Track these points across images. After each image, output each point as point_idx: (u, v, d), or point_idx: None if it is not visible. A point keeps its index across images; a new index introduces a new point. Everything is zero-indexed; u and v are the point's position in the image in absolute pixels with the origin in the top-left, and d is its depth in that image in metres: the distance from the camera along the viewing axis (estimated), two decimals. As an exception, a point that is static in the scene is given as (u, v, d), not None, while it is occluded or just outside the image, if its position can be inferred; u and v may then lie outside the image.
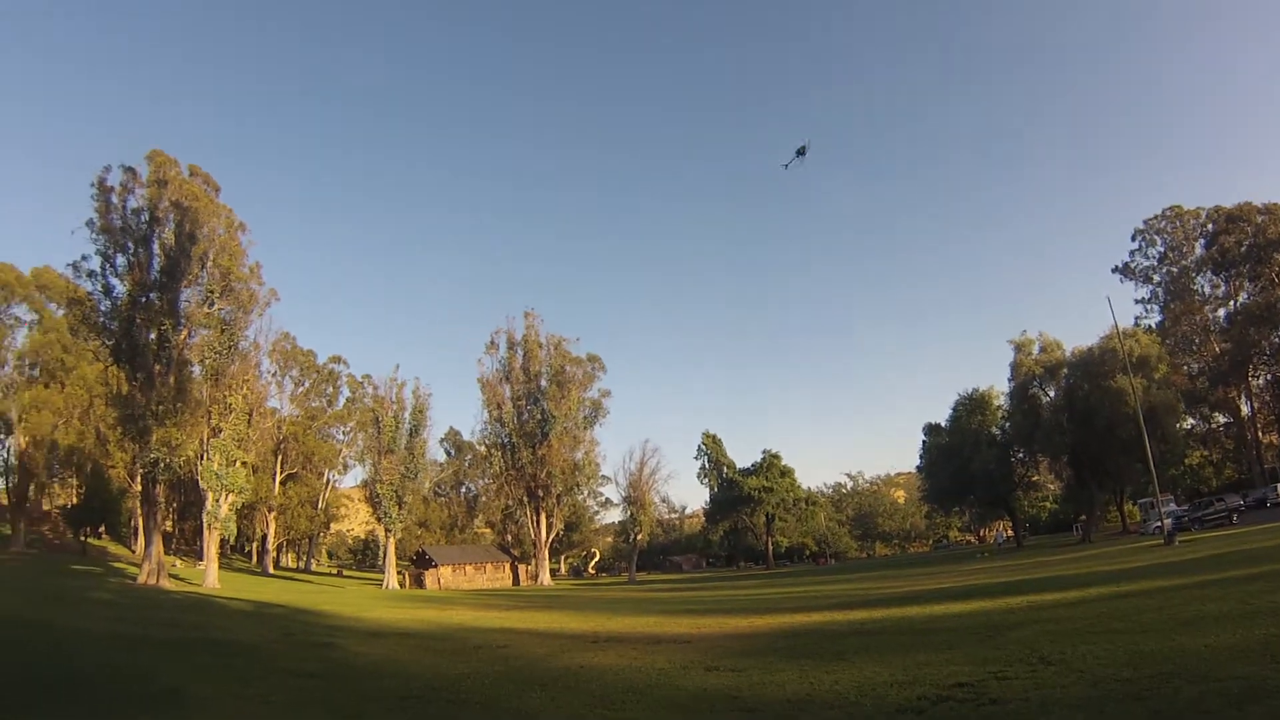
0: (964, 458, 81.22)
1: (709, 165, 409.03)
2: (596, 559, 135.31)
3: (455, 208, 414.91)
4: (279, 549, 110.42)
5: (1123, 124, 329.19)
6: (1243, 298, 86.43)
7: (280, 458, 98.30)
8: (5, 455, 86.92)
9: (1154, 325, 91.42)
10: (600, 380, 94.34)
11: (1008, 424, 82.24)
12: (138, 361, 52.26)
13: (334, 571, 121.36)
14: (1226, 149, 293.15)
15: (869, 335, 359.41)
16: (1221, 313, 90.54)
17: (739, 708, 10.56)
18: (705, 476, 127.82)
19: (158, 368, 52.41)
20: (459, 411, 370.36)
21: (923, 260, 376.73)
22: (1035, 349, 78.67)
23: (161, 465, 51.88)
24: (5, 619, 20.30)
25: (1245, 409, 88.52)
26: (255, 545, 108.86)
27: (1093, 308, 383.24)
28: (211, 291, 55.99)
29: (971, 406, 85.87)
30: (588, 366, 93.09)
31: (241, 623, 25.94)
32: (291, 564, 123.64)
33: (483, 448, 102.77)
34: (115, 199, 53.31)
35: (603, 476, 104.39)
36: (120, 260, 53.23)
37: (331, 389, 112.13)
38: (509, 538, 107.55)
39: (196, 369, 56.86)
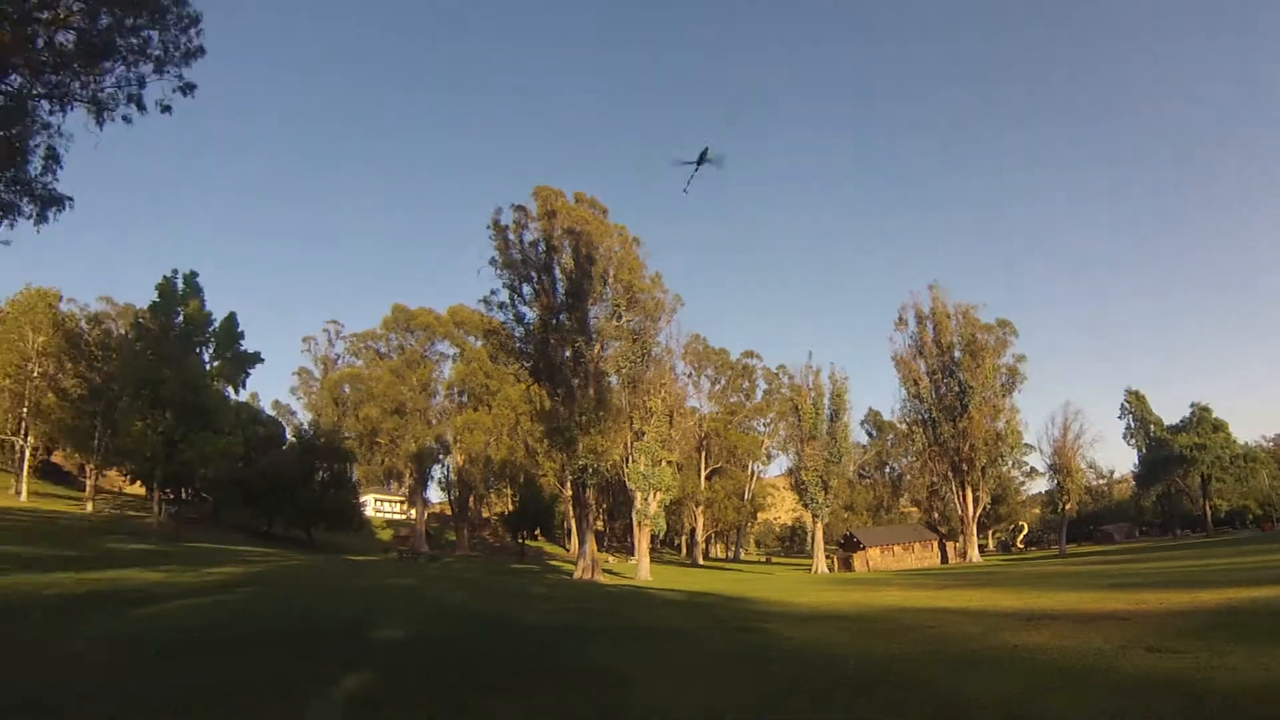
0: None
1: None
2: (1024, 532, 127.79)
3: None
4: (707, 540, 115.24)
5: None
6: None
7: (704, 454, 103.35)
8: (445, 472, 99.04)
9: None
10: (1013, 345, 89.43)
11: None
12: (556, 378, 55.67)
13: (762, 559, 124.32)
14: None
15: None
16: None
17: (1184, 694, 9.62)
18: (1131, 437, 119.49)
19: (576, 382, 55.09)
20: (878, 392, 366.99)
21: None
22: None
23: (589, 470, 54.52)
24: (472, 614, 21.27)
25: None
26: (684, 538, 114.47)
27: None
28: (618, 305, 57.97)
29: None
30: (998, 332, 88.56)
31: (674, 611, 25.92)
32: (720, 554, 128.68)
33: (903, 426, 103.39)
34: (512, 235, 57.73)
35: (1026, 445, 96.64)
36: (526, 289, 57.50)
37: (748, 383, 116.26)
38: (935, 515, 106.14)
39: (614, 379, 58.97)
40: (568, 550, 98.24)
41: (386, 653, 13.38)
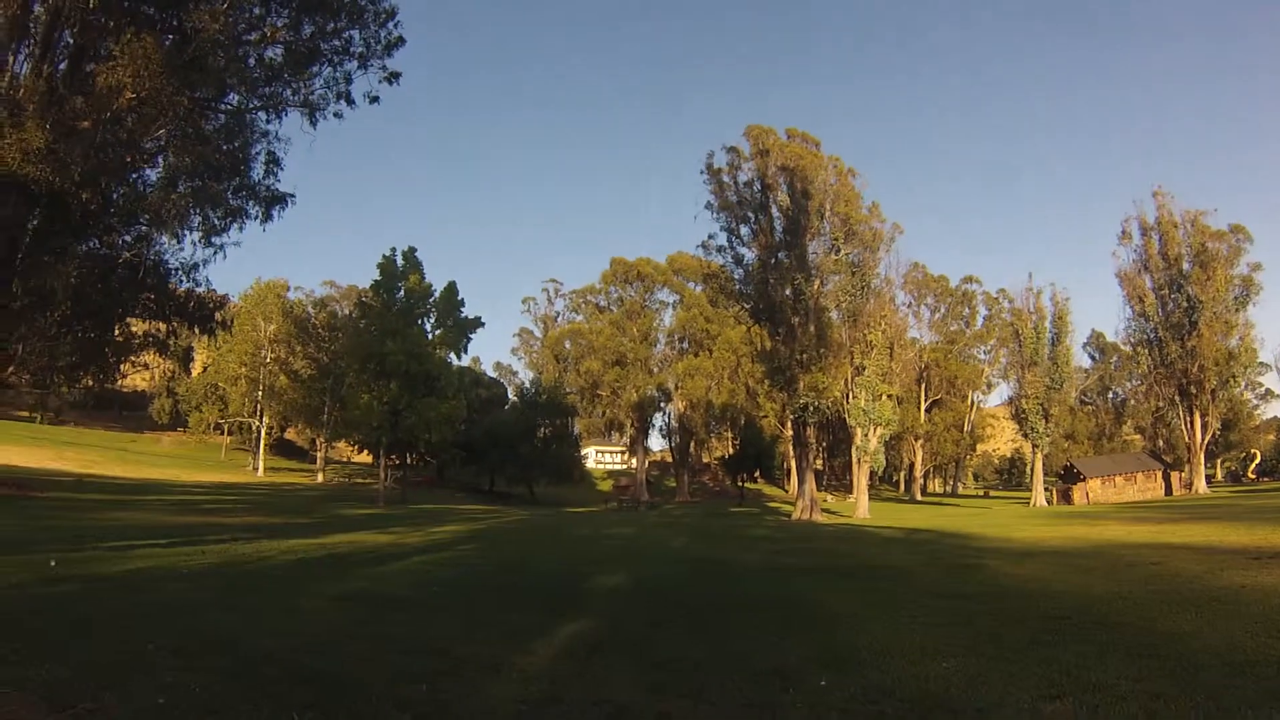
0: None
1: None
2: (1256, 460, 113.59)
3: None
4: (925, 475, 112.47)
5: None
6: None
7: (924, 385, 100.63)
8: (666, 420, 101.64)
9: None
10: (1247, 253, 78.60)
11: None
12: (777, 317, 55.39)
13: (980, 493, 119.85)
14: None
15: None
16: None
17: None
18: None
19: (796, 320, 54.70)
20: (1102, 313, 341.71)
21: None
22: None
23: (810, 409, 54.09)
24: (691, 559, 22.28)
25: None
26: (902, 474, 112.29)
27: None
28: (836, 239, 56.93)
29: None
30: (1231, 239, 77.90)
31: (891, 549, 25.92)
32: (937, 489, 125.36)
33: (1127, 347, 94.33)
34: (726, 178, 57.49)
35: (1261, 364, 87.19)
36: (744, 230, 57.30)
37: (969, 310, 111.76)
38: (1159, 443, 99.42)
39: (834, 314, 58.37)
40: (786, 491, 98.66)
41: (608, 599, 13.93)
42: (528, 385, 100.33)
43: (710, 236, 58.34)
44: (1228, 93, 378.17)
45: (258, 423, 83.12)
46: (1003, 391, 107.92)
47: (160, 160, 19.53)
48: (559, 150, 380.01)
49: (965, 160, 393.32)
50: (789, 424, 64.25)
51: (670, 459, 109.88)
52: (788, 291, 54.92)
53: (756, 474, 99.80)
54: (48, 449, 63.80)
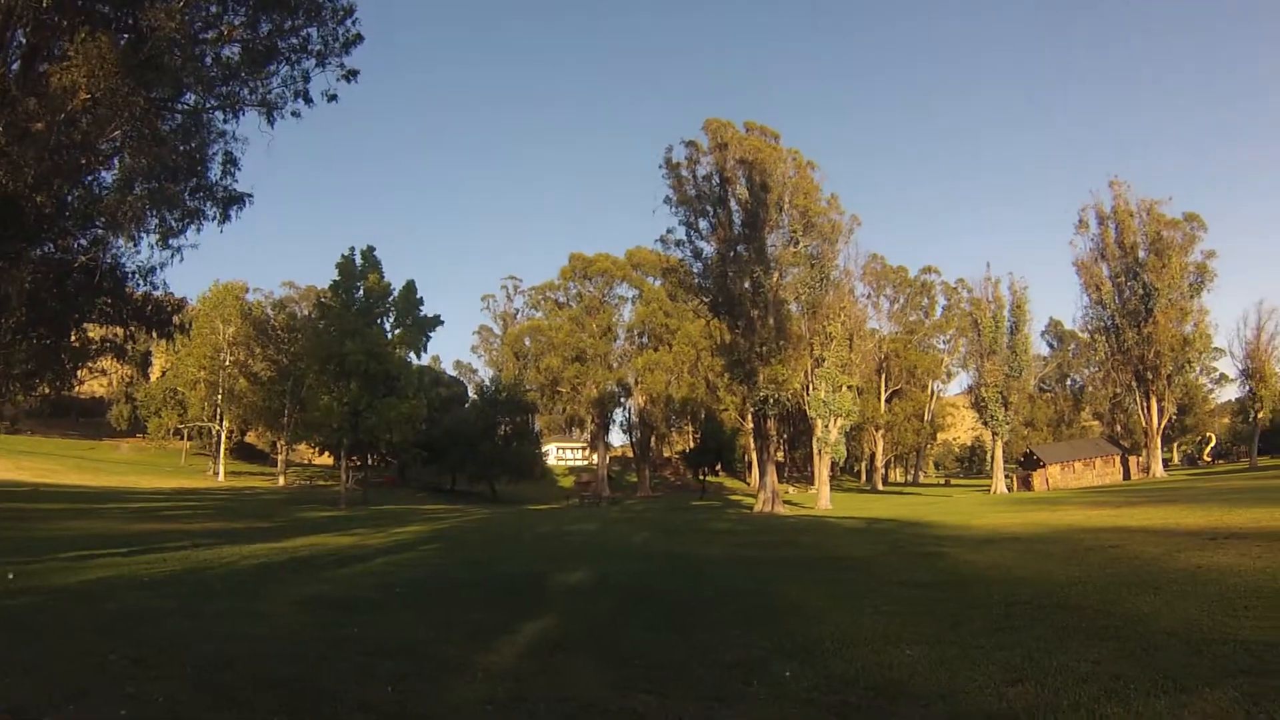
0: None
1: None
2: (1211, 444, 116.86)
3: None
4: (886, 465, 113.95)
5: None
6: None
7: (884, 376, 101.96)
8: (627, 415, 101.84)
9: None
10: (1202, 241, 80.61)
11: None
12: (736, 310, 55.88)
13: (941, 482, 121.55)
14: None
15: None
16: None
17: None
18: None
19: (755, 312, 55.05)
20: (1059, 299, 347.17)
21: None
22: None
23: (770, 401, 54.62)
24: (653, 554, 22.64)
25: None
26: (864, 464, 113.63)
27: None
28: (795, 231, 57.20)
29: None
30: (1186, 227, 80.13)
31: (852, 539, 26.43)
32: (898, 478, 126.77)
33: (1085, 335, 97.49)
34: (685, 171, 57.96)
35: (1215, 349, 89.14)
36: (702, 224, 57.93)
37: (927, 300, 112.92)
38: (1118, 429, 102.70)
39: (793, 306, 58.43)
40: (748, 483, 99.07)
41: (571, 597, 14.05)
42: (488, 383, 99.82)
43: (669, 231, 59.05)
44: (1188, 84, 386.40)
45: (218, 427, 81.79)
46: (962, 380, 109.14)
47: (116, 162, 19.13)
48: (517, 147, 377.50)
49: (924, 152, 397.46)
50: (749, 417, 64.69)
51: (631, 454, 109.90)
52: (747, 284, 55.24)
53: (718, 467, 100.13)
54: (4, 459, 62.56)
